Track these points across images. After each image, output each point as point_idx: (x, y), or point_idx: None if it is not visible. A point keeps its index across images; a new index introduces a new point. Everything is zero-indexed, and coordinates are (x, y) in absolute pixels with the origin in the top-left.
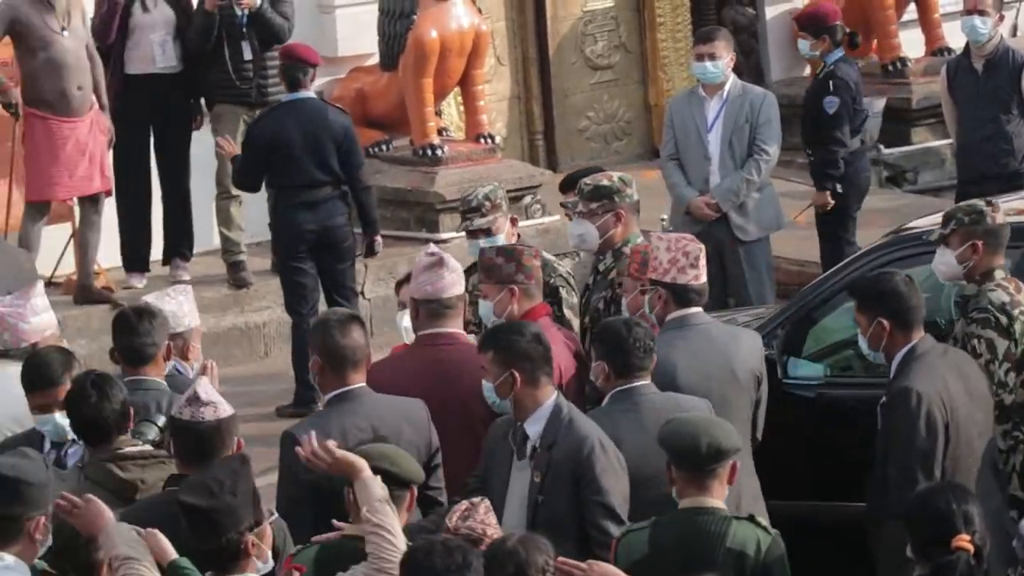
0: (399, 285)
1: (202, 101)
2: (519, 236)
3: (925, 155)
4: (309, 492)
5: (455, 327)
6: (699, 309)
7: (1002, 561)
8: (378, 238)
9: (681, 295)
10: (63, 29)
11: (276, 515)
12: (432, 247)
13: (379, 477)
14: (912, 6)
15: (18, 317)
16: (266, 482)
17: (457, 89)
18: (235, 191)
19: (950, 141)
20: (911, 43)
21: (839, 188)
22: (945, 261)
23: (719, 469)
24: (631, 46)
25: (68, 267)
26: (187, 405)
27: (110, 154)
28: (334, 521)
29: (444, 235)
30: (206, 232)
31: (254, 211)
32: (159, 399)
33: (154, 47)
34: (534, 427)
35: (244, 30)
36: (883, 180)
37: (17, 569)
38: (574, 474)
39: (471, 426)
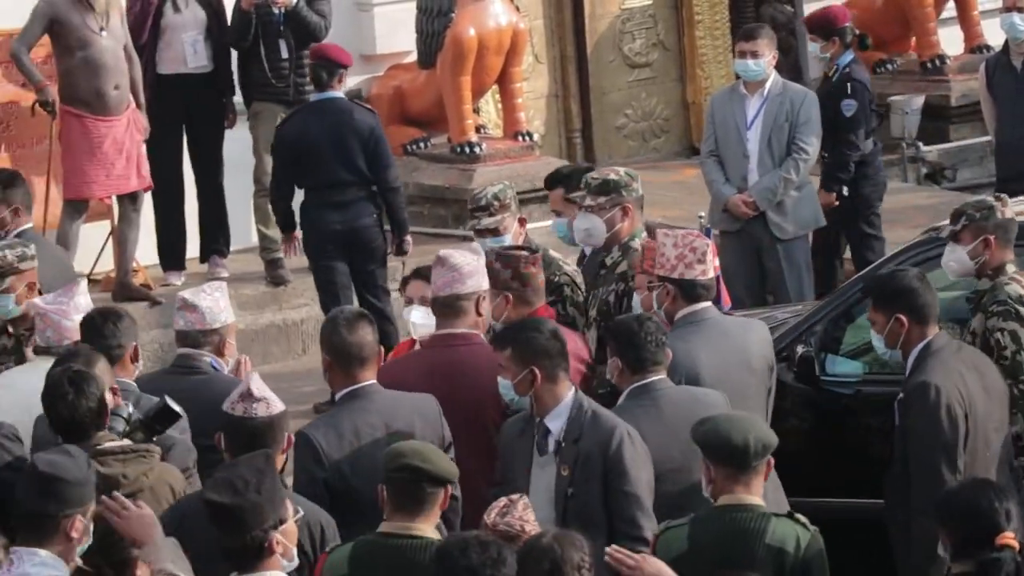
0: (405, 281)
1: (235, 99)
2: (527, 237)
3: (964, 152)
4: (325, 491)
5: (468, 327)
6: (708, 304)
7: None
8: (407, 238)
9: (689, 291)
10: (101, 29)
11: (302, 513)
12: (475, 244)
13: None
14: (951, 3)
15: (61, 315)
16: None
17: (495, 87)
18: None
19: (989, 138)
20: (950, 40)
21: (845, 191)
22: (956, 258)
23: (761, 466)
24: (669, 44)
25: (107, 264)
26: (240, 401)
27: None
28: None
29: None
30: (244, 229)
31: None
32: (128, 400)
33: (185, 47)
34: (556, 422)
35: (281, 28)
36: (921, 177)
37: (52, 565)
38: (604, 466)
39: (483, 428)
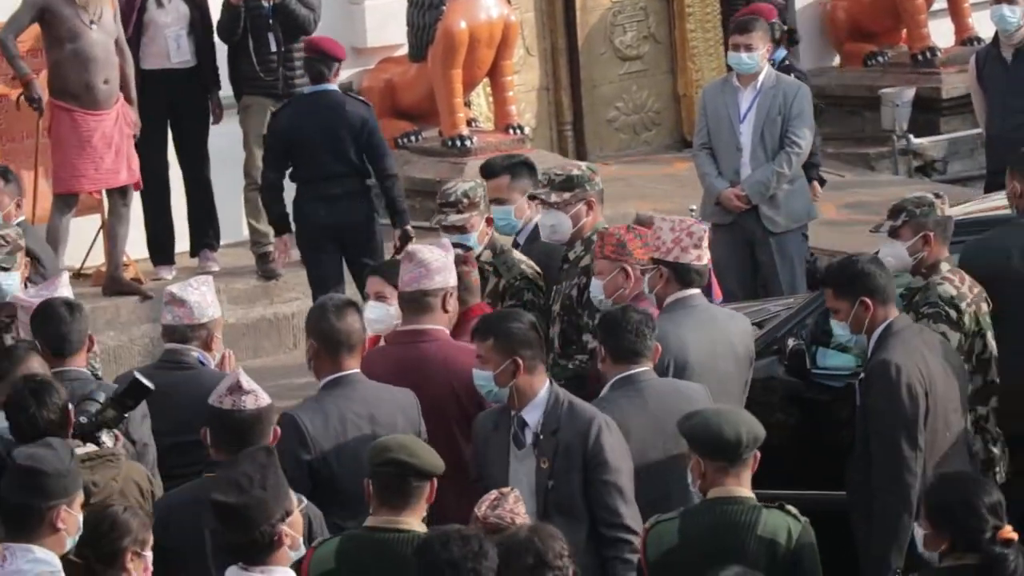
0: (366, 276)
1: (221, 94)
2: (492, 237)
3: (954, 145)
4: (308, 475)
5: (435, 323)
6: (698, 290)
7: None
8: (408, 228)
9: (684, 274)
10: (92, 22)
11: (306, 502)
12: (444, 240)
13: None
14: None
15: None
16: None
17: (486, 80)
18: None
19: (979, 130)
20: (940, 33)
21: (824, 177)
22: (895, 253)
23: (749, 458)
24: (660, 36)
25: (98, 259)
26: (228, 394)
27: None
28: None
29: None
30: (234, 224)
31: None
32: (84, 389)
33: (169, 42)
34: (533, 414)
35: (270, 21)
36: (912, 170)
37: (46, 561)
38: (584, 457)
39: (446, 425)
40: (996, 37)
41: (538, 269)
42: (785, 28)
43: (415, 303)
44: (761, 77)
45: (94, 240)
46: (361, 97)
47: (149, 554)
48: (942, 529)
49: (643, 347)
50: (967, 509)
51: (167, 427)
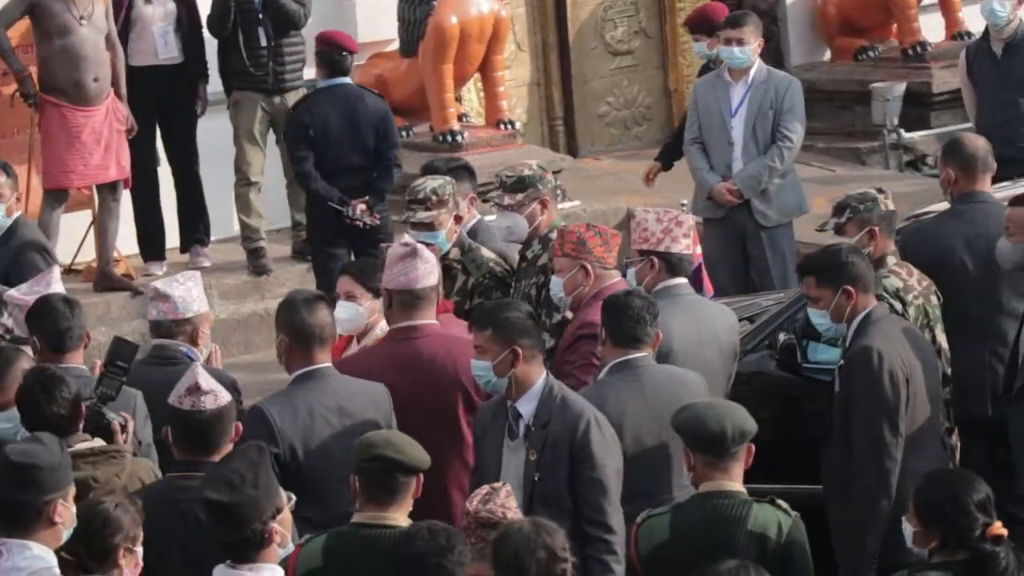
0: (337, 276)
1: (208, 88)
2: (460, 235)
3: (945, 139)
4: (276, 468)
5: (428, 319)
6: (685, 280)
7: None
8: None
9: (675, 264)
10: (82, 18)
11: (295, 499)
12: (407, 237)
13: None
14: None
15: None
16: None
17: (477, 75)
18: (253, 178)
19: (970, 125)
20: (931, 27)
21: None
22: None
23: (740, 452)
24: (651, 31)
25: (89, 254)
26: (187, 395)
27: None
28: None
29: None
30: (225, 219)
31: (273, 198)
32: (84, 387)
33: (156, 39)
34: (527, 406)
35: (260, 16)
36: (903, 164)
37: (43, 558)
38: (570, 451)
39: (450, 419)
40: (986, 31)
41: (508, 267)
42: None
43: (407, 299)
44: (752, 71)
45: (85, 236)
46: (375, 91)
47: (140, 549)
48: (932, 526)
49: (643, 333)
50: (956, 506)
51: (156, 422)
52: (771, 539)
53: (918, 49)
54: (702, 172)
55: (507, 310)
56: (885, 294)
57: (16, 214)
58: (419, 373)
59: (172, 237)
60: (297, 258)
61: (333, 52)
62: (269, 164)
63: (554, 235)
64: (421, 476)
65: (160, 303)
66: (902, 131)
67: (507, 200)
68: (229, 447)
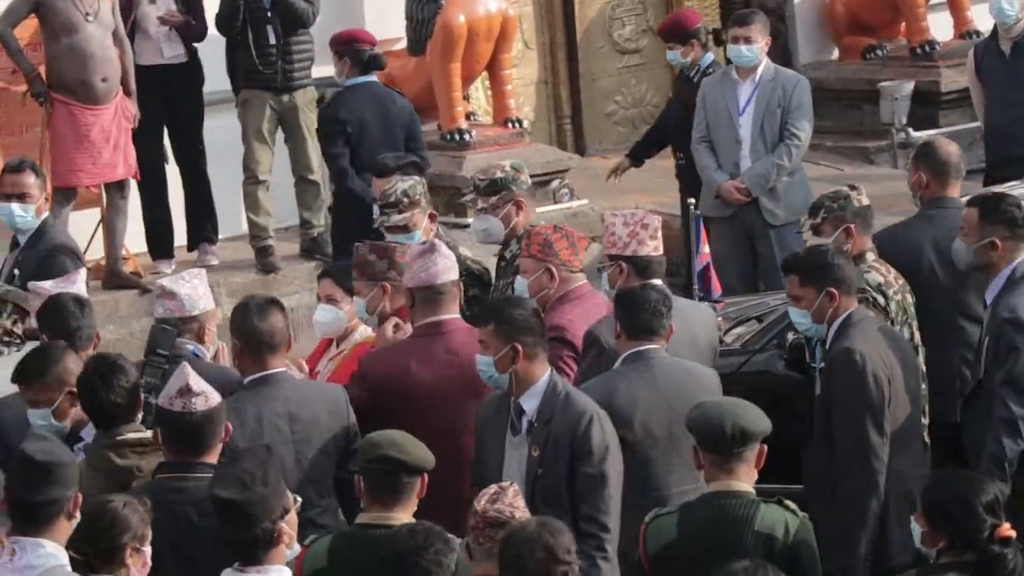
0: (319, 279)
1: (212, 87)
2: (437, 233)
3: (953, 138)
4: None
5: (451, 313)
6: (659, 281)
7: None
8: None
9: (643, 267)
10: (87, 15)
11: (300, 500)
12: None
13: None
14: None
15: None
16: None
17: (485, 74)
18: (262, 176)
19: (978, 124)
20: (940, 26)
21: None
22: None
23: (746, 452)
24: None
25: (97, 252)
26: (178, 396)
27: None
28: None
29: (471, 219)
30: (234, 218)
31: (281, 196)
32: None
33: (160, 38)
34: (530, 402)
35: (268, 14)
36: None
37: (56, 555)
38: (571, 447)
39: (475, 414)
40: (995, 30)
41: (485, 265)
42: (711, 30)
43: (429, 295)
44: (760, 70)
45: (93, 234)
46: (397, 90)
47: (148, 549)
48: (939, 528)
49: (658, 325)
50: (964, 508)
51: None
52: (778, 539)
53: (926, 48)
54: (710, 171)
55: (511, 306)
56: (868, 288)
57: (44, 214)
58: (447, 368)
59: (180, 235)
60: (305, 256)
61: (362, 49)
62: (277, 162)
63: None
64: (426, 476)
65: (167, 301)
66: (910, 130)
67: (481, 204)
68: (219, 448)
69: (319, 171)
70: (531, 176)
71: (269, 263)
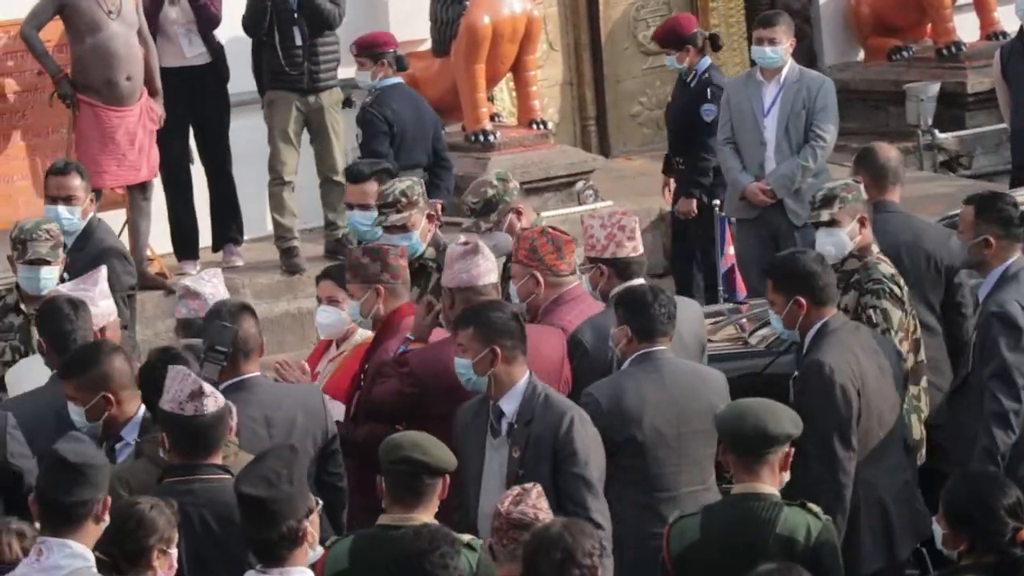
0: (318, 280)
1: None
2: (435, 234)
3: (980, 140)
4: None
5: None
6: (641, 280)
7: (909, 534)
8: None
9: (623, 269)
10: (110, 13)
11: (321, 503)
12: (463, 236)
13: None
14: None
15: (88, 301)
16: None
17: (509, 75)
18: (287, 177)
19: (1005, 125)
20: (966, 27)
21: (705, 198)
22: (834, 241)
23: (769, 455)
24: None
25: None
26: (190, 400)
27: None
28: None
29: None
30: (258, 219)
31: (306, 197)
32: None
33: (180, 39)
34: (510, 405)
35: (295, 16)
36: (938, 165)
37: (82, 556)
38: (553, 448)
39: None
40: (1021, 31)
41: None
42: (707, 35)
43: (470, 296)
44: (785, 71)
45: (119, 235)
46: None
47: (175, 551)
48: (960, 530)
49: (667, 327)
50: (986, 511)
51: None
52: (799, 542)
53: (952, 49)
54: (735, 172)
55: (490, 310)
56: (883, 279)
57: (90, 215)
58: None
59: (205, 236)
60: (330, 257)
61: (390, 51)
62: (302, 163)
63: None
64: (447, 478)
65: (190, 301)
66: (936, 132)
67: (483, 225)
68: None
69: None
70: (556, 178)
71: (294, 264)
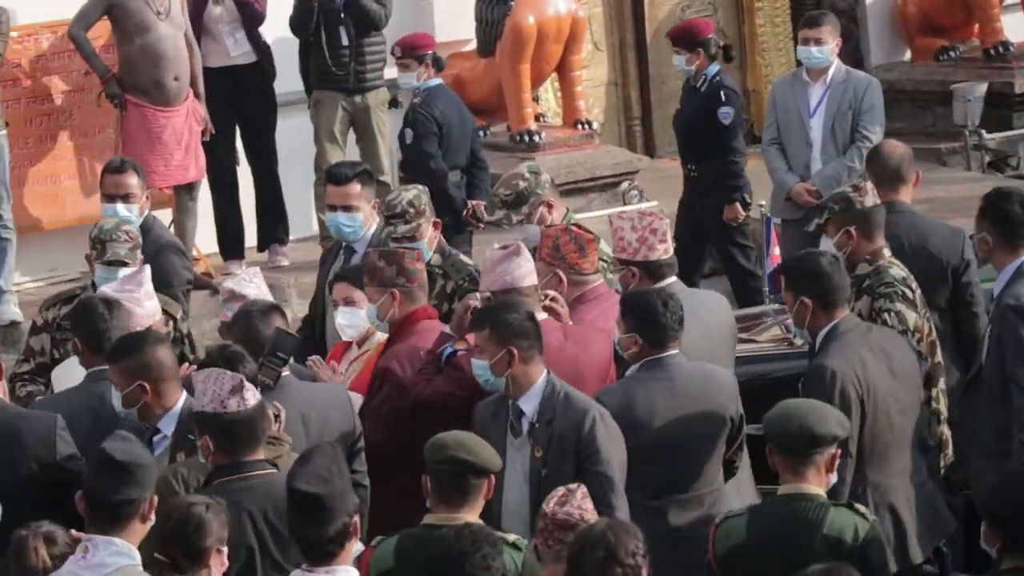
0: (331, 284)
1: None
2: (440, 242)
3: None
4: None
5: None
6: (674, 278)
7: (926, 536)
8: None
9: (654, 271)
10: (159, 13)
11: (358, 501)
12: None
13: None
14: None
15: (134, 302)
16: None
17: (554, 75)
18: None
19: None
20: (1014, 27)
21: (747, 198)
22: (826, 249)
23: (815, 456)
24: (729, 31)
25: None
26: (231, 395)
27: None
28: None
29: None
30: (304, 218)
31: None
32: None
33: (225, 39)
34: (529, 404)
35: (342, 16)
36: (985, 166)
37: (127, 554)
38: (576, 446)
39: None
40: None
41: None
42: (721, 44)
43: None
44: (831, 71)
45: None
46: None
47: (226, 549)
48: (997, 530)
49: (678, 332)
50: (1020, 514)
51: None
52: (846, 542)
53: (1000, 49)
54: (781, 173)
55: (506, 311)
56: (895, 282)
57: (147, 212)
58: (548, 365)
59: (251, 236)
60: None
61: (431, 52)
62: None
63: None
64: (493, 478)
65: (235, 304)
66: (983, 132)
67: (515, 218)
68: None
69: (390, 172)
70: (601, 178)
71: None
